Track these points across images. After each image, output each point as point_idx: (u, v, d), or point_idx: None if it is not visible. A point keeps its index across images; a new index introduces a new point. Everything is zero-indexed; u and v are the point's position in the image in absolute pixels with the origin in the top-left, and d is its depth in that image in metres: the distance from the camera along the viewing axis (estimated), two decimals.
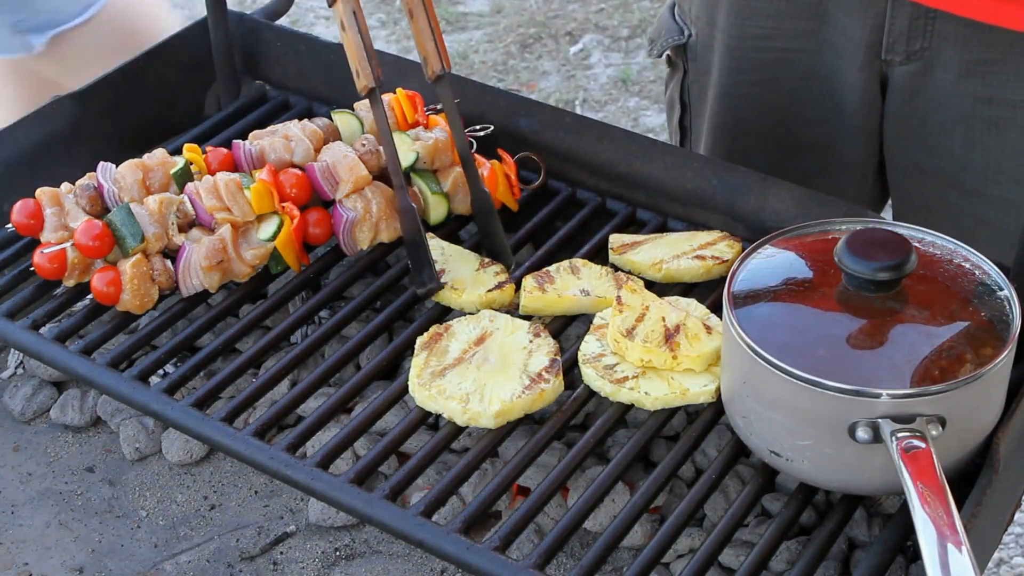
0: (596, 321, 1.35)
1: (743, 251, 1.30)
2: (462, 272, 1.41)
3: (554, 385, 1.27)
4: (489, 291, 1.38)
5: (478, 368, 1.28)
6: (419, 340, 1.33)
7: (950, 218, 1.62)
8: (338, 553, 1.28)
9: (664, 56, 1.76)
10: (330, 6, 1.39)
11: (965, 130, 1.55)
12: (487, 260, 1.43)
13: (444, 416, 1.26)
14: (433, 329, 1.34)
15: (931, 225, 1.28)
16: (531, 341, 1.31)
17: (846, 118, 1.63)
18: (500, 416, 1.24)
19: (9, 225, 1.45)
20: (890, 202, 1.74)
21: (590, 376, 1.29)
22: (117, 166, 1.45)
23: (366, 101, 1.56)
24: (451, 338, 1.33)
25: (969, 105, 1.53)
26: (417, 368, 1.29)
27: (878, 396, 1.09)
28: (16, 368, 1.48)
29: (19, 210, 1.43)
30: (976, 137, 1.55)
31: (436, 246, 1.44)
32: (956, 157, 1.57)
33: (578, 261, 1.43)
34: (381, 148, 1.49)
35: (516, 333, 1.33)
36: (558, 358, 1.30)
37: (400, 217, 1.41)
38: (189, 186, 1.43)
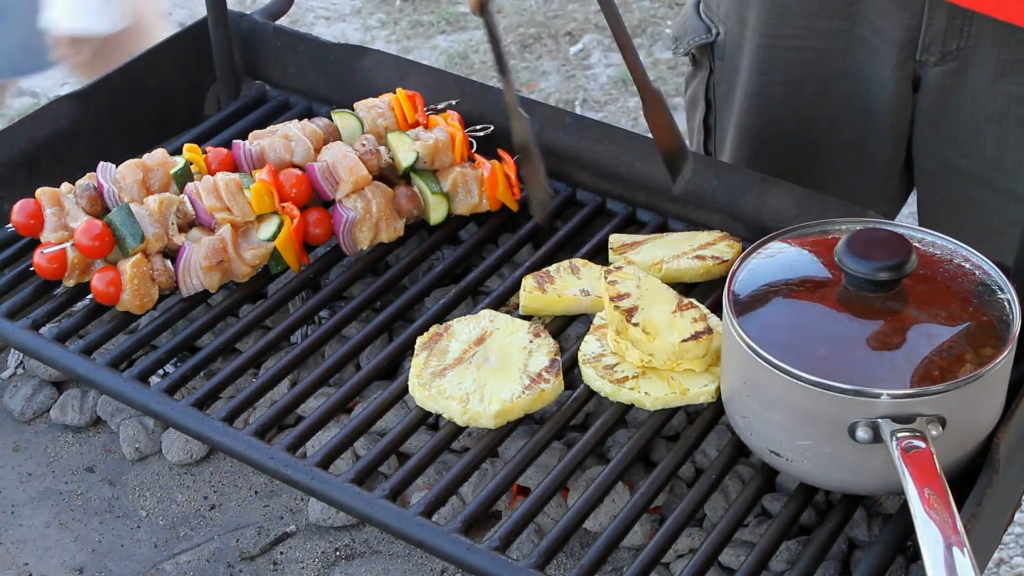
0: (596, 321, 1.35)
1: (743, 251, 1.30)
2: (656, 312, 1.28)
3: (554, 385, 1.27)
4: (684, 340, 1.25)
5: (478, 368, 1.28)
6: (419, 340, 1.33)
7: (980, 218, 1.61)
8: (338, 553, 1.28)
9: (689, 55, 1.75)
10: None
11: (998, 129, 1.54)
12: (686, 302, 1.29)
13: (444, 416, 1.26)
14: (433, 329, 1.34)
15: (959, 224, 1.27)
16: (531, 341, 1.31)
17: (875, 118, 1.62)
18: (500, 416, 1.24)
19: (9, 225, 1.45)
20: (916, 202, 1.73)
21: (590, 376, 1.29)
22: (117, 166, 1.45)
23: (366, 101, 1.56)
24: (451, 338, 1.32)
25: (1004, 104, 1.52)
26: (417, 368, 1.29)
27: (878, 396, 1.09)
28: (16, 368, 1.48)
29: (19, 210, 1.43)
30: (1010, 137, 1.54)
31: (632, 273, 1.32)
32: (988, 157, 1.57)
33: (578, 261, 1.43)
34: (382, 148, 1.49)
35: (516, 333, 1.33)
36: (558, 358, 1.30)
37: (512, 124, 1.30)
38: (189, 186, 1.43)
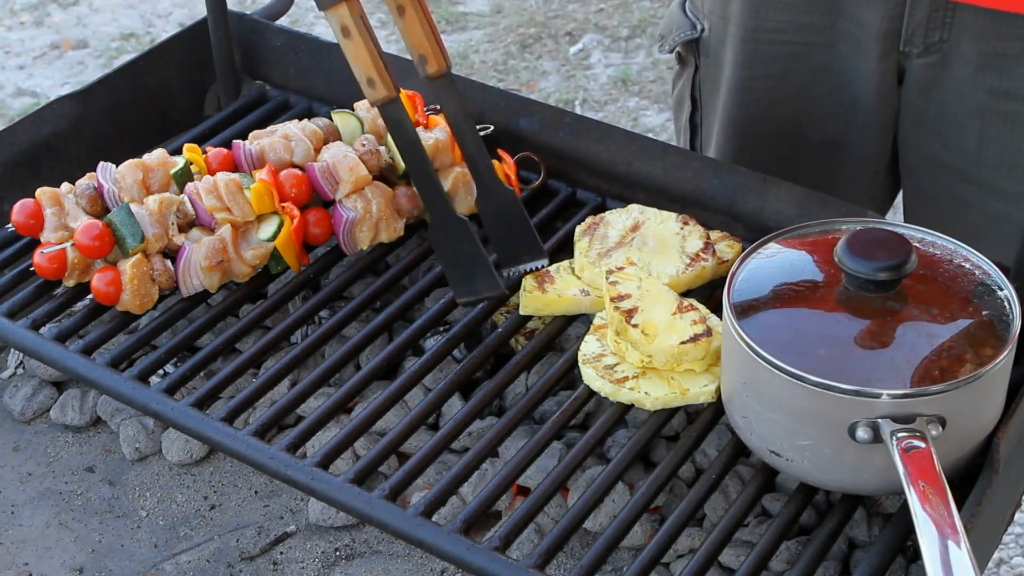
0: (596, 321, 1.35)
1: (743, 251, 1.30)
2: (656, 314, 1.29)
3: (712, 264, 1.36)
4: (683, 343, 1.26)
5: (639, 250, 1.38)
6: (578, 228, 1.43)
7: (963, 213, 1.61)
8: (338, 553, 1.28)
9: (674, 52, 1.76)
10: (323, 9, 1.26)
11: (980, 124, 1.55)
12: (686, 303, 1.30)
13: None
14: (589, 219, 1.44)
15: (943, 220, 1.27)
16: (682, 228, 1.40)
17: (860, 112, 1.62)
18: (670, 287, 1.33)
19: (9, 225, 1.45)
20: (901, 196, 1.74)
21: (590, 376, 1.29)
22: (117, 166, 1.45)
23: (366, 101, 1.55)
24: (607, 227, 1.42)
25: (985, 99, 1.53)
26: (582, 250, 1.39)
27: (878, 396, 1.09)
28: (16, 368, 1.48)
29: (19, 210, 1.43)
30: (991, 131, 1.55)
31: (634, 274, 1.33)
32: (970, 151, 1.57)
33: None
34: (382, 148, 1.49)
35: (666, 223, 1.41)
36: (712, 243, 1.38)
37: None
38: (189, 186, 1.43)
